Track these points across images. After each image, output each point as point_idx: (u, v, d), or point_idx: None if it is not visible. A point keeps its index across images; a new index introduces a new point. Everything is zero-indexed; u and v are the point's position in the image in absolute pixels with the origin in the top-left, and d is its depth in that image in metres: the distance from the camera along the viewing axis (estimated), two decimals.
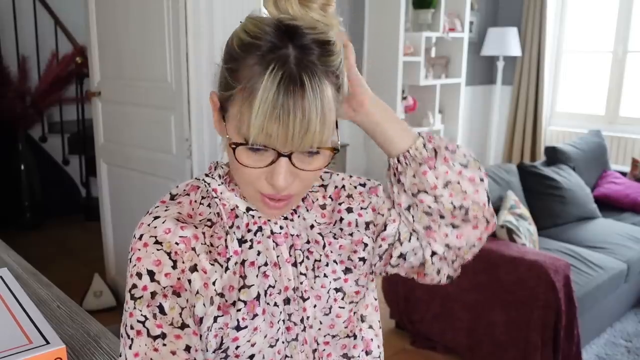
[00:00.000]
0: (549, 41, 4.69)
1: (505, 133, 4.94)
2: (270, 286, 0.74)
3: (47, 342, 0.75)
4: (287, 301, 0.75)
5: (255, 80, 0.61)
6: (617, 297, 2.66)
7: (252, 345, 0.72)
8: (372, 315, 0.85)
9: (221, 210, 0.74)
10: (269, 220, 0.75)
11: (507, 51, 4.55)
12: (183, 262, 0.68)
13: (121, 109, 2.61)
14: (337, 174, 0.85)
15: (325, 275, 0.78)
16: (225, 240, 0.72)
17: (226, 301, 0.70)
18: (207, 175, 0.78)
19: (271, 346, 0.74)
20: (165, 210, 0.71)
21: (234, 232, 0.73)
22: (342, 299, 0.79)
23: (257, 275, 0.73)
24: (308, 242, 0.78)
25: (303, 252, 0.77)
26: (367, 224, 0.81)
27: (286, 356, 0.76)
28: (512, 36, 4.55)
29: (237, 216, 0.74)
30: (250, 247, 0.74)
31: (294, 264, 0.76)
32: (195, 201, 0.75)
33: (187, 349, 0.66)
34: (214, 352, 0.70)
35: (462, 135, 4.51)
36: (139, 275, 0.67)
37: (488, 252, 2.14)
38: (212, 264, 0.70)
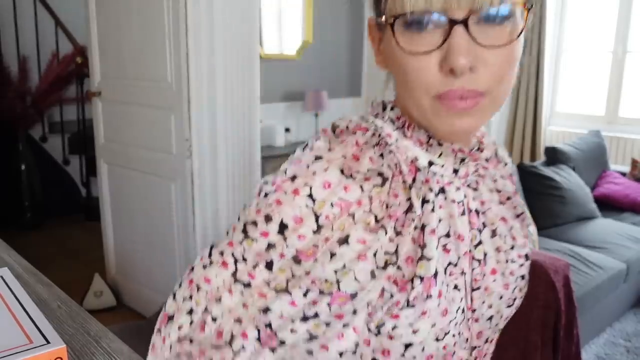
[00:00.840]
0: (548, 41, 4.69)
1: (505, 133, 4.94)
2: (451, 264, 0.59)
3: (48, 342, 0.75)
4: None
5: None
6: (616, 297, 2.66)
7: (414, 332, 0.56)
8: None
9: (400, 161, 0.57)
10: (451, 183, 0.59)
11: None
12: (332, 230, 0.54)
13: (121, 108, 2.61)
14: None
15: (513, 261, 0.65)
16: (409, 198, 0.56)
17: (403, 276, 0.56)
18: (375, 116, 0.61)
19: (437, 339, 0.58)
20: (329, 151, 0.57)
21: (421, 188, 0.57)
22: (521, 290, 0.67)
23: (436, 247, 0.57)
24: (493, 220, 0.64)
25: (484, 230, 0.63)
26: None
27: (454, 352, 0.62)
28: None
29: (418, 170, 0.58)
30: (432, 209, 0.57)
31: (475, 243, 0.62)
32: (366, 143, 0.57)
33: (266, 310, 0.55)
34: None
35: None
36: (268, 218, 0.55)
37: None
38: (374, 232, 0.55)
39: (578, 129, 4.61)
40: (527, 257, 0.67)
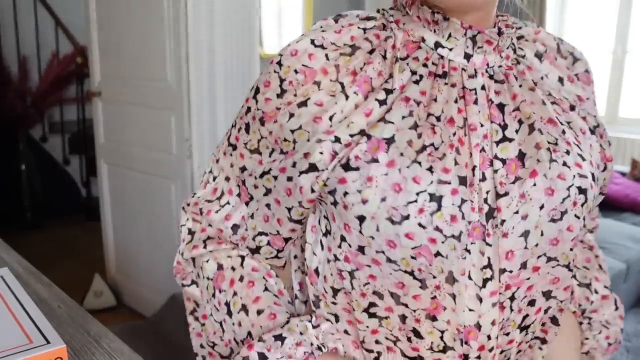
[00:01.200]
0: None
1: None
2: (432, 145, 0.55)
3: (48, 342, 0.75)
4: (464, 182, 0.54)
5: None
6: None
7: (363, 203, 0.54)
8: None
9: (396, 37, 0.59)
10: (464, 70, 0.57)
11: None
12: (294, 96, 0.58)
13: (121, 108, 2.61)
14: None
15: (566, 165, 0.56)
16: (391, 73, 0.57)
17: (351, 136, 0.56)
18: (391, 8, 0.63)
19: (392, 221, 0.53)
20: (314, 31, 0.60)
21: (407, 63, 0.58)
22: (582, 205, 0.56)
23: (404, 117, 0.55)
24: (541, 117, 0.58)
25: (521, 126, 0.57)
26: (594, 129, 0.63)
27: (439, 254, 0.54)
28: None
29: (419, 48, 0.58)
30: (417, 82, 0.57)
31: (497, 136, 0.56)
32: (359, 23, 0.60)
33: (243, 169, 0.63)
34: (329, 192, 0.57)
35: None
36: (252, 87, 0.63)
37: None
38: (332, 96, 0.57)
39: None
40: (593, 177, 0.58)
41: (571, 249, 0.57)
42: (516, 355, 0.62)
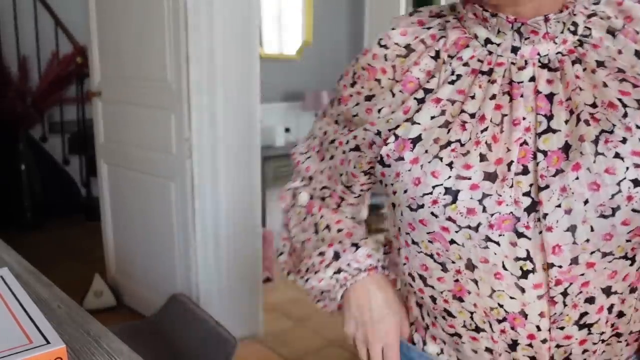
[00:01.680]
0: None
1: None
2: (459, 141, 0.58)
3: (48, 342, 0.75)
4: (492, 177, 0.55)
5: None
6: None
7: (394, 193, 0.63)
8: None
9: (448, 38, 0.63)
10: (513, 64, 0.58)
11: None
12: (362, 88, 0.69)
13: (121, 109, 2.61)
14: None
15: (618, 156, 0.53)
16: (434, 74, 0.63)
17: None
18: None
19: (411, 208, 0.60)
20: (388, 31, 0.68)
21: (450, 63, 0.61)
22: (631, 199, 0.53)
23: (434, 116, 0.60)
24: (594, 104, 0.55)
25: (571, 117, 0.55)
26: None
27: (454, 242, 0.58)
28: None
29: (467, 46, 0.62)
30: (453, 82, 0.60)
31: (535, 132, 0.56)
32: (429, 27, 0.66)
33: (325, 133, 0.78)
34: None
35: None
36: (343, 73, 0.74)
37: None
38: (381, 92, 0.66)
39: None
40: None
41: (628, 241, 0.54)
42: (594, 355, 0.61)
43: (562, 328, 0.58)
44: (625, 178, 0.53)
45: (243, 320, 2.51)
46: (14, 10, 4.05)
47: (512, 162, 0.55)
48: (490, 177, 0.56)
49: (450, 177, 0.57)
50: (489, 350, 0.62)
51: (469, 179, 0.56)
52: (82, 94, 4.11)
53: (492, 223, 0.55)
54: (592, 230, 0.53)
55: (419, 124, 0.61)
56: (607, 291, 0.57)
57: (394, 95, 0.65)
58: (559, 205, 0.54)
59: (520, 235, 0.55)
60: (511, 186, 0.55)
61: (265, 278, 3.13)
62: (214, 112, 2.26)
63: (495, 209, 0.55)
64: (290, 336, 2.57)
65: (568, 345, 0.59)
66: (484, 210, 0.55)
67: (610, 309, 0.59)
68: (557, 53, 0.58)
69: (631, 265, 0.57)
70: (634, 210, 0.53)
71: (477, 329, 0.62)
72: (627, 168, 0.53)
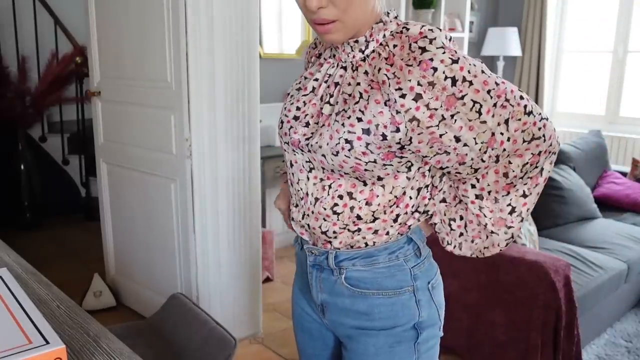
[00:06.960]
0: (549, 41, 4.69)
1: None
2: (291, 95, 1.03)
3: (47, 342, 0.74)
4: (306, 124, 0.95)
5: None
6: (617, 298, 2.65)
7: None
8: (392, 182, 0.92)
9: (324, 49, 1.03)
10: (331, 58, 0.95)
11: (507, 51, 4.55)
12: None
13: (121, 108, 2.61)
14: (444, 52, 0.80)
15: (342, 124, 0.88)
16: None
17: None
18: None
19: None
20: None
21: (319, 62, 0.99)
22: (349, 150, 0.87)
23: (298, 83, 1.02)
24: (351, 94, 0.89)
25: (335, 96, 0.91)
26: (414, 120, 0.82)
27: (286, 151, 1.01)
28: (513, 36, 4.55)
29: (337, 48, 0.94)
30: (306, 76, 1.00)
31: (325, 100, 0.93)
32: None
33: None
34: None
35: None
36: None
37: None
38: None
39: (579, 129, 4.61)
40: (365, 132, 0.86)
41: (354, 171, 0.92)
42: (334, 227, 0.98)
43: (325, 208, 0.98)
44: (342, 137, 0.88)
45: (243, 320, 2.51)
46: (13, 10, 4.05)
47: (307, 114, 0.96)
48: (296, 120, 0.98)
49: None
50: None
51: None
52: (81, 93, 4.11)
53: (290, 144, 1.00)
54: (332, 160, 0.91)
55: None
56: (350, 195, 0.94)
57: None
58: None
59: (307, 151, 0.96)
60: (305, 126, 0.96)
61: (265, 278, 3.12)
62: (214, 112, 2.26)
63: (294, 137, 0.97)
64: (290, 336, 2.56)
65: (329, 218, 0.98)
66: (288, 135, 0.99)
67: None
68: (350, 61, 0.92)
69: (364, 185, 0.94)
70: (346, 156, 0.88)
71: (297, 205, 1.03)
72: (345, 132, 0.87)
